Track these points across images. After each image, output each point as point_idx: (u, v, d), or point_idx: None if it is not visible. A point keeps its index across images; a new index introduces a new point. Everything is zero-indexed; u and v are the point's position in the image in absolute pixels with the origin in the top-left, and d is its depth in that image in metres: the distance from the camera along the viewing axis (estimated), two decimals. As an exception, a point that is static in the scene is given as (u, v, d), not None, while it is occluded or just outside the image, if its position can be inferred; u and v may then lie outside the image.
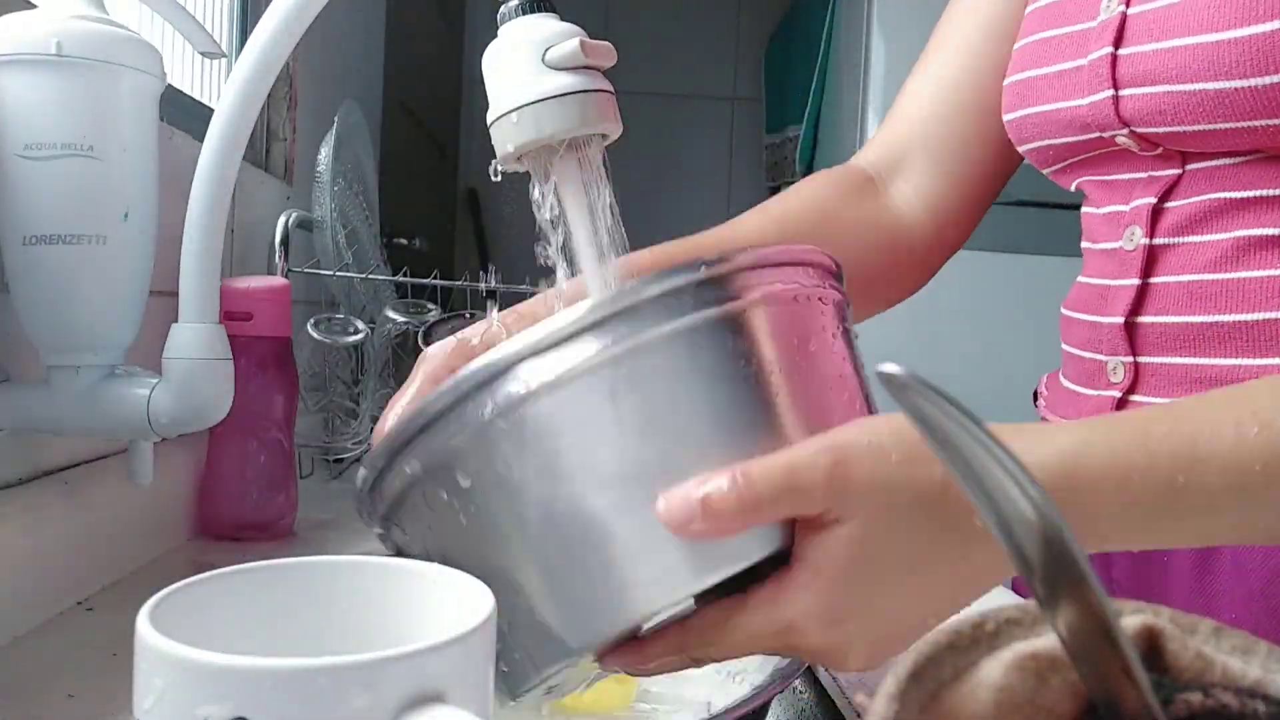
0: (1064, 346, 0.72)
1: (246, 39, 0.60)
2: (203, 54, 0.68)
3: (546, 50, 0.49)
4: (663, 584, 0.39)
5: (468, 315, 1.14)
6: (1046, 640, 0.23)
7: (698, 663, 0.43)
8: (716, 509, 0.38)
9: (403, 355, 1.25)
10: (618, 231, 0.52)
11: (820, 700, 0.62)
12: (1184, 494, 0.41)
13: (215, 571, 0.34)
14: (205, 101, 1.15)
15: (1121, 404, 0.64)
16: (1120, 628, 0.22)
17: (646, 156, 3.06)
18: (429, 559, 0.41)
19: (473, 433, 0.39)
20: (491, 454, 0.39)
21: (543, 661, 0.40)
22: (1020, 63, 0.69)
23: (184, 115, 0.90)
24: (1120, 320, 0.63)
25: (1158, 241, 0.62)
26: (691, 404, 0.40)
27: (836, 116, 2.14)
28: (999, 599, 0.31)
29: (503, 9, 0.51)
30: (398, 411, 0.48)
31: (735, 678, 0.59)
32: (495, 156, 0.51)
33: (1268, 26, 0.52)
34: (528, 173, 0.51)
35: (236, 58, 0.61)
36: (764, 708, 0.53)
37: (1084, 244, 0.71)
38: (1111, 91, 0.60)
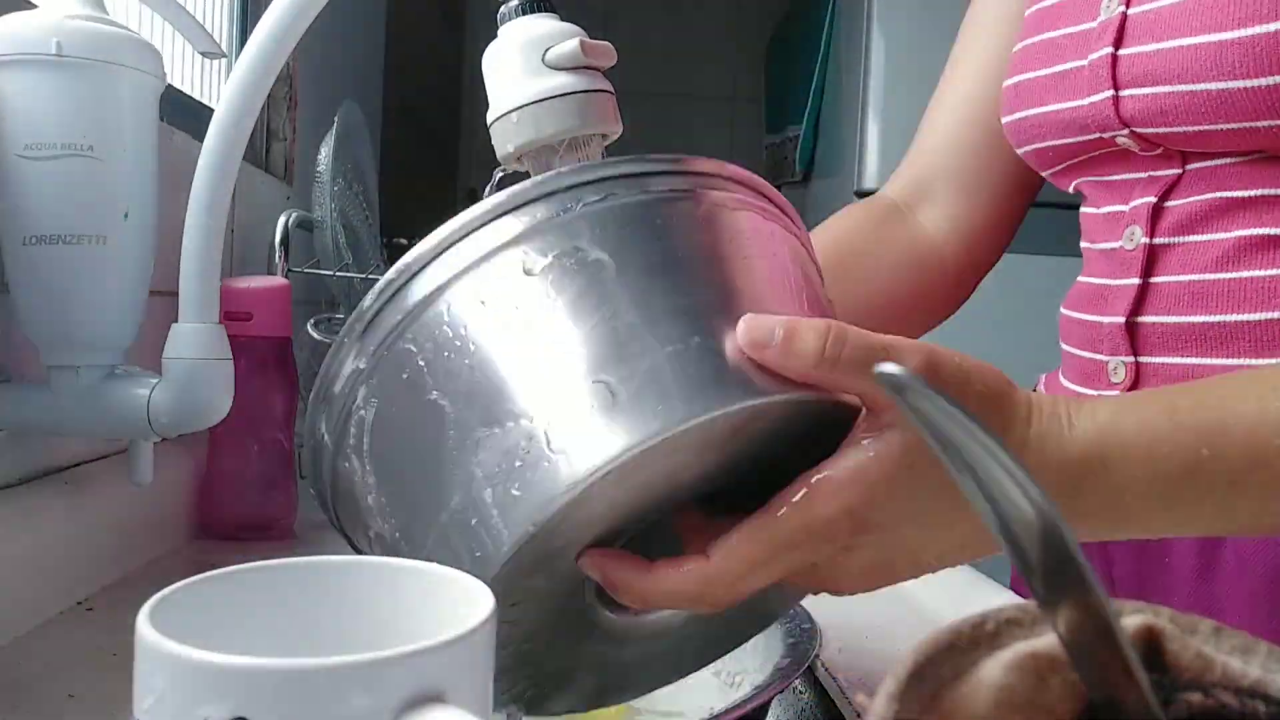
0: (1064, 346, 0.72)
1: (246, 39, 0.60)
2: (203, 54, 0.68)
3: (546, 50, 0.49)
4: (660, 416, 0.36)
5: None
6: (1046, 640, 0.23)
7: (706, 603, 0.40)
8: (798, 344, 0.37)
9: (403, 355, 1.25)
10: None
11: (820, 700, 0.62)
12: (1207, 466, 0.42)
13: (215, 571, 0.34)
14: (205, 101, 1.15)
15: None
16: (1120, 628, 0.22)
17: (646, 156, 3.05)
18: (375, 476, 0.40)
19: (412, 316, 0.39)
20: (433, 331, 0.39)
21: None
22: (1019, 64, 0.69)
23: (184, 115, 0.90)
24: (1121, 320, 0.63)
25: (1158, 241, 0.62)
26: (645, 259, 0.39)
27: (836, 116, 2.14)
28: (999, 599, 0.31)
29: (503, 9, 0.51)
30: None
31: (735, 678, 0.59)
32: (495, 156, 0.51)
33: (1269, 27, 0.52)
34: (528, 172, 0.51)
35: (236, 58, 0.61)
36: (764, 708, 0.53)
37: (1083, 244, 0.71)
38: (1112, 92, 0.60)
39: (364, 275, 1.22)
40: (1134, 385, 0.63)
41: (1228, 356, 0.59)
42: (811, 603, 0.52)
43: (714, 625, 0.46)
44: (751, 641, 0.52)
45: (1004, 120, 0.71)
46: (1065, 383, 0.71)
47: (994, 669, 0.22)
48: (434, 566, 0.36)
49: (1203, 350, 0.60)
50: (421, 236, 0.41)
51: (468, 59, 3.10)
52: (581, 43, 0.49)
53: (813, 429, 0.40)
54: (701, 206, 0.42)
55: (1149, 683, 0.22)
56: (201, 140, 0.61)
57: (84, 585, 0.69)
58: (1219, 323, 0.59)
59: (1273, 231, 0.58)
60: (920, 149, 0.80)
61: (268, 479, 0.89)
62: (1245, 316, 0.58)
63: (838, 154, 2.10)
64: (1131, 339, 0.63)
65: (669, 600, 0.40)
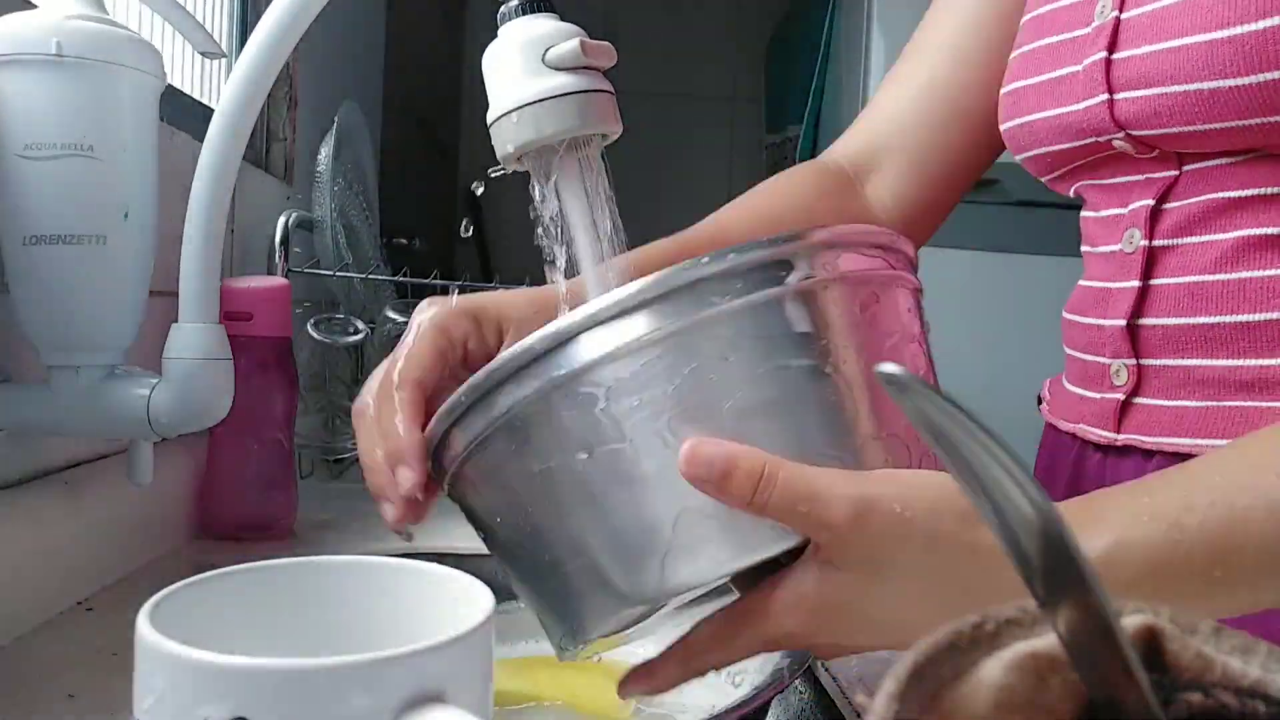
0: (1066, 349, 0.72)
1: (246, 39, 0.60)
2: (203, 54, 0.68)
3: (546, 50, 0.49)
4: (700, 562, 0.40)
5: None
6: (1046, 640, 0.23)
7: (701, 673, 0.45)
8: (731, 484, 0.39)
9: (403, 355, 1.25)
10: (618, 231, 0.52)
11: (820, 700, 0.62)
12: (1221, 585, 0.42)
13: (215, 571, 0.34)
14: (205, 101, 1.15)
15: (1126, 406, 0.63)
16: (1120, 628, 0.21)
17: (646, 156, 3.05)
18: (491, 517, 0.43)
19: (536, 398, 0.40)
20: (551, 420, 0.40)
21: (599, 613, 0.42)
22: (1016, 72, 0.69)
23: (184, 115, 0.90)
24: (1122, 323, 0.63)
25: (1157, 243, 0.62)
26: (748, 387, 0.40)
27: (836, 116, 2.14)
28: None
29: (503, 9, 0.51)
30: (400, 368, 0.48)
31: (735, 678, 0.59)
32: (495, 156, 0.51)
33: (1260, 24, 0.52)
34: (527, 173, 0.51)
35: (236, 58, 0.61)
36: (764, 708, 0.53)
37: (1084, 248, 0.71)
38: (1106, 96, 0.60)
39: (364, 275, 1.22)
40: (1136, 387, 0.63)
41: (1231, 357, 0.59)
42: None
43: None
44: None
45: (1002, 128, 0.71)
46: (1068, 386, 0.71)
47: (994, 669, 0.22)
48: (434, 566, 0.36)
49: (1205, 351, 0.60)
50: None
51: (468, 59, 3.10)
52: (581, 43, 0.49)
53: None
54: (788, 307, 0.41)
55: (1149, 683, 0.22)
56: (201, 140, 0.61)
57: (84, 585, 0.69)
58: (1219, 323, 0.59)
59: (1272, 231, 0.58)
60: (877, 117, 0.79)
61: (268, 479, 0.89)
62: (1246, 317, 0.58)
63: (838, 154, 2.10)
64: (1133, 341, 0.63)
65: (671, 681, 0.46)
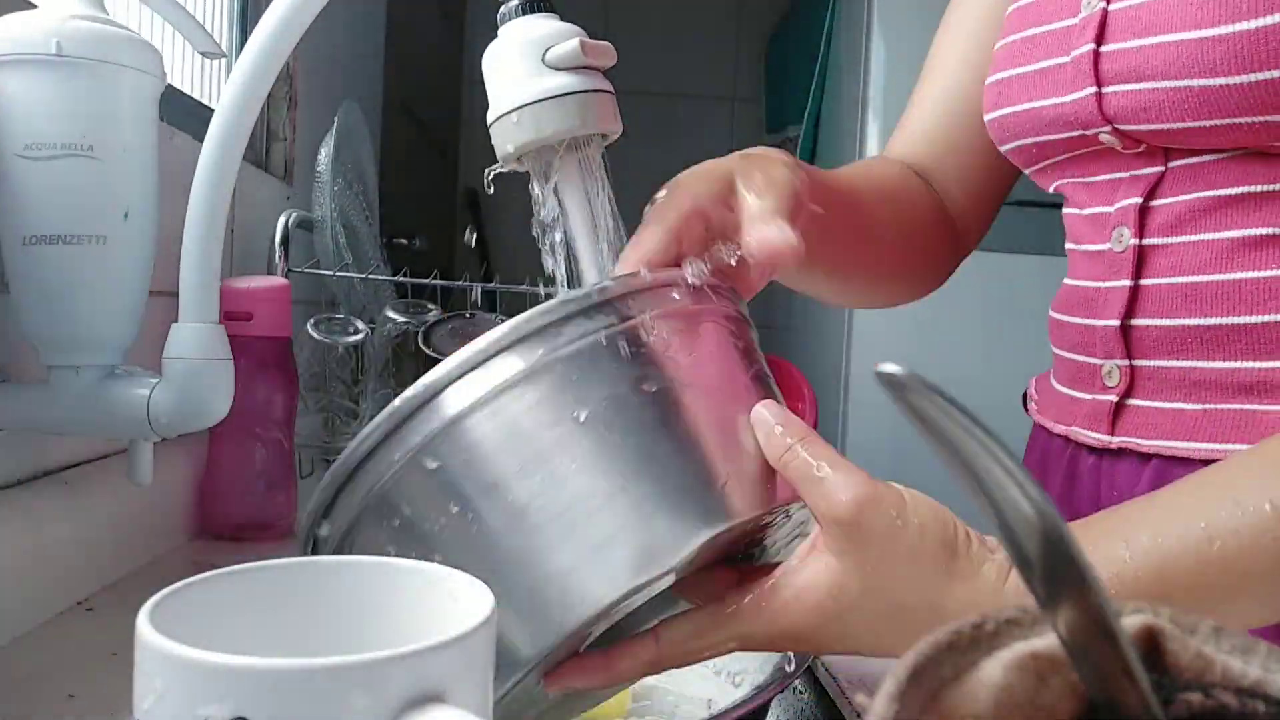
0: (1054, 350, 0.71)
1: (246, 39, 0.60)
2: (203, 54, 0.68)
3: (546, 50, 0.49)
4: (603, 582, 0.40)
5: (468, 315, 1.14)
6: (1046, 640, 0.23)
7: (661, 670, 0.45)
8: (792, 427, 0.42)
9: (403, 355, 1.25)
10: (618, 231, 0.52)
11: (820, 700, 0.62)
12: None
13: (215, 571, 0.34)
14: (205, 101, 1.15)
15: (1119, 408, 0.63)
16: (1120, 628, 0.21)
17: (646, 156, 3.05)
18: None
19: (405, 464, 0.41)
20: (426, 481, 0.41)
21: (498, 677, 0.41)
22: (1001, 62, 0.69)
23: (184, 115, 0.90)
24: (1116, 324, 0.62)
25: (1147, 242, 0.61)
26: (602, 414, 0.41)
27: (836, 116, 2.14)
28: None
29: (503, 9, 0.51)
30: (638, 260, 0.48)
31: (735, 677, 0.59)
32: (495, 156, 0.51)
33: (1252, 24, 0.52)
34: (527, 172, 0.51)
35: (236, 58, 0.61)
36: (764, 708, 0.53)
37: (1069, 245, 0.70)
38: (1094, 88, 0.60)
39: (364, 275, 1.22)
40: (1129, 389, 0.62)
41: (1225, 360, 0.58)
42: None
43: None
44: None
45: (986, 118, 0.71)
46: (1057, 386, 0.70)
47: (994, 669, 0.22)
48: (434, 566, 0.36)
49: (1200, 353, 0.59)
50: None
51: (468, 59, 3.10)
52: (581, 43, 0.49)
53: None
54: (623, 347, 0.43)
55: (1149, 683, 0.22)
56: (201, 140, 0.61)
57: (84, 585, 0.69)
58: (1216, 325, 0.58)
59: (1265, 231, 0.57)
60: (908, 129, 0.81)
61: (268, 479, 0.89)
62: (1243, 319, 0.57)
63: (838, 154, 2.10)
64: (1125, 342, 0.62)
65: (629, 677, 0.45)
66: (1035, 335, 0.78)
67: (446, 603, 0.35)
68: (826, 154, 2.22)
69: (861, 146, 1.95)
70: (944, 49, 0.80)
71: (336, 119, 1.21)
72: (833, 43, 2.20)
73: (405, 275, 1.24)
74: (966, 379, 1.38)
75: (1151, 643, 0.23)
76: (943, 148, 0.78)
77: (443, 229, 2.93)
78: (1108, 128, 0.60)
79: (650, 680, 0.58)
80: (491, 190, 0.52)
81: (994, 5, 0.75)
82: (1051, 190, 0.70)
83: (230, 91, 0.60)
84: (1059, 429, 0.69)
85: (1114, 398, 0.63)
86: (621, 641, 0.44)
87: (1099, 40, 0.60)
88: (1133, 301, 0.62)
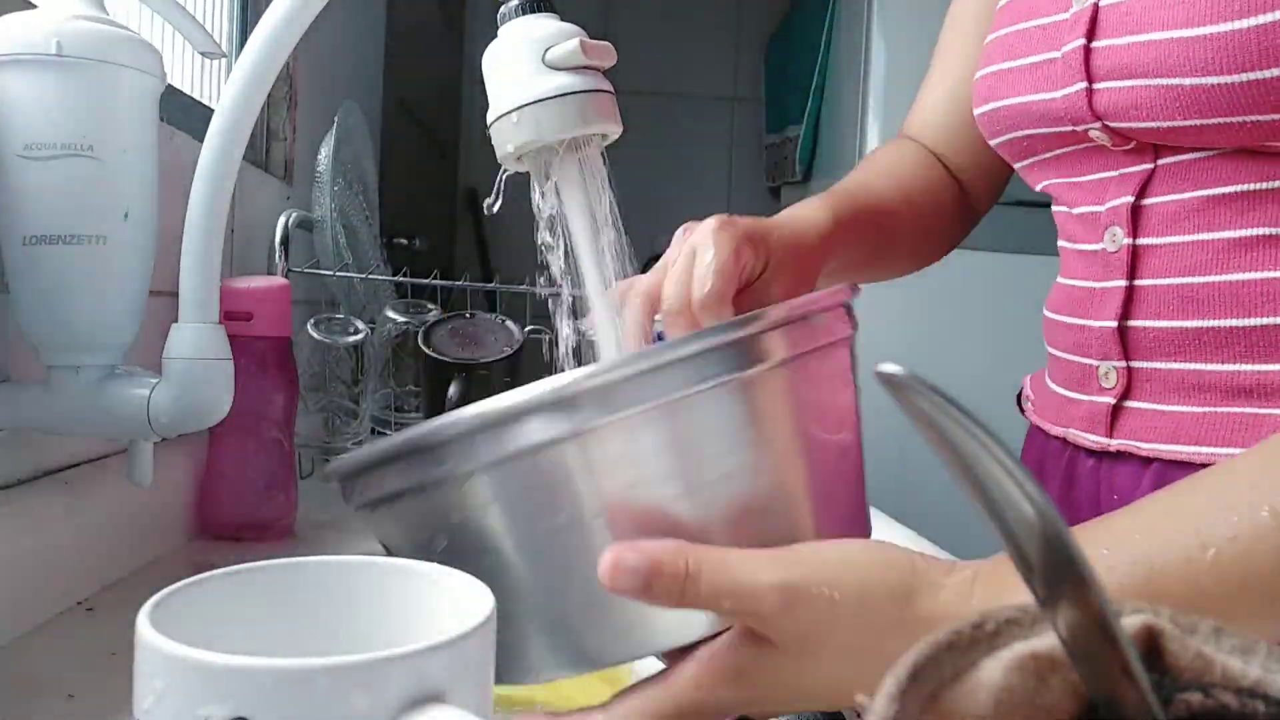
0: (1049, 350, 0.71)
1: (246, 39, 0.60)
2: (203, 54, 0.68)
3: (546, 50, 0.49)
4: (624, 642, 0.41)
5: (468, 315, 1.14)
6: (1046, 640, 0.23)
7: None
8: (658, 587, 0.38)
9: (403, 355, 1.25)
10: (617, 231, 0.52)
11: (820, 700, 0.61)
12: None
13: (215, 571, 0.34)
14: (205, 101, 1.15)
15: (1117, 411, 0.63)
16: (1120, 628, 0.21)
17: (646, 156, 3.05)
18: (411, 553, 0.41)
19: (467, 475, 0.39)
20: (492, 494, 0.40)
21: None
22: (992, 56, 0.69)
23: (184, 115, 0.90)
24: (1113, 325, 0.62)
25: (1141, 242, 0.61)
26: (693, 465, 0.40)
27: (836, 116, 2.14)
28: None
29: (503, 9, 0.51)
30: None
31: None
32: (495, 156, 0.51)
33: (1244, 23, 0.51)
34: (527, 172, 0.51)
35: (236, 58, 0.61)
36: (764, 708, 0.53)
37: (1061, 243, 0.69)
38: (1085, 84, 0.59)
39: (364, 275, 1.22)
40: (1126, 390, 0.62)
41: (1225, 362, 0.57)
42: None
43: None
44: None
45: (976, 112, 0.71)
46: (1052, 386, 0.70)
47: (994, 669, 0.22)
48: (434, 566, 0.36)
49: (1199, 356, 0.58)
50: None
51: (468, 59, 3.10)
52: (581, 43, 0.49)
53: None
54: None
55: (1149, 683, 0.22)
56: (201, 140, 0.61)
57: (84, 585, 0.69)
58: (1214, 327, 0.57)
59: (1262, 231, 0.56)
60: (917, 122, 0.84)
61: (268, 479, 0.89)
62: (1242, 321, 0.57)
63: (838, 154, 2.10)
64: (1123, 343, 0.62)
65: None
66: (1035, 335, 0.78)
67: (446, 603, 0.35)
68: (826, 154, 2.22)
69: (861, 146, 1.95)
70: (949, 39, 0.81)
71: (336, 119, 1.21)
72: (833, 43, 2.20)
73: (405, 275, 1.24)
74: (966, 379, 1.38)
75: (1151, 643, 0.23)
76: (957, 121, 0.80)
77: (443, 229, 2.93)
78: (1097, 124, 0.60)
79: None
80: (499, 204, 0.52)
81: (993, 4, 0.75)
82: (1038, 189, 0.70)
83: (230, 91, 0.60)
84: (1056, 430, 0.69)
85: (1111, 400, 0.62)
86: (571, 712, 0.43)
87: (1090, 36, 0.59)
88: (1129, 302, 0.61)
